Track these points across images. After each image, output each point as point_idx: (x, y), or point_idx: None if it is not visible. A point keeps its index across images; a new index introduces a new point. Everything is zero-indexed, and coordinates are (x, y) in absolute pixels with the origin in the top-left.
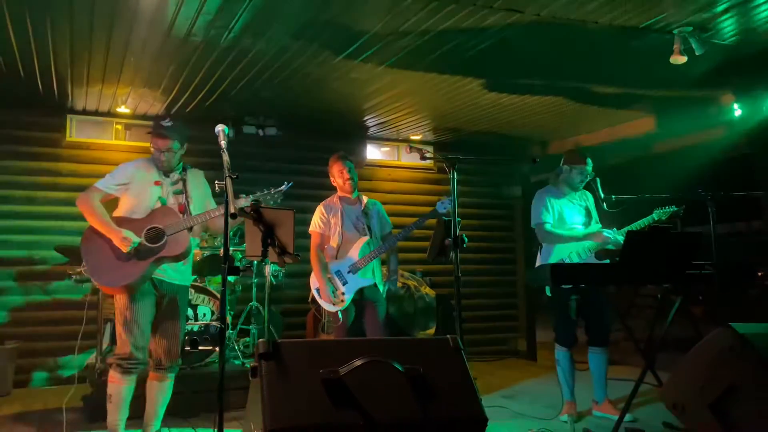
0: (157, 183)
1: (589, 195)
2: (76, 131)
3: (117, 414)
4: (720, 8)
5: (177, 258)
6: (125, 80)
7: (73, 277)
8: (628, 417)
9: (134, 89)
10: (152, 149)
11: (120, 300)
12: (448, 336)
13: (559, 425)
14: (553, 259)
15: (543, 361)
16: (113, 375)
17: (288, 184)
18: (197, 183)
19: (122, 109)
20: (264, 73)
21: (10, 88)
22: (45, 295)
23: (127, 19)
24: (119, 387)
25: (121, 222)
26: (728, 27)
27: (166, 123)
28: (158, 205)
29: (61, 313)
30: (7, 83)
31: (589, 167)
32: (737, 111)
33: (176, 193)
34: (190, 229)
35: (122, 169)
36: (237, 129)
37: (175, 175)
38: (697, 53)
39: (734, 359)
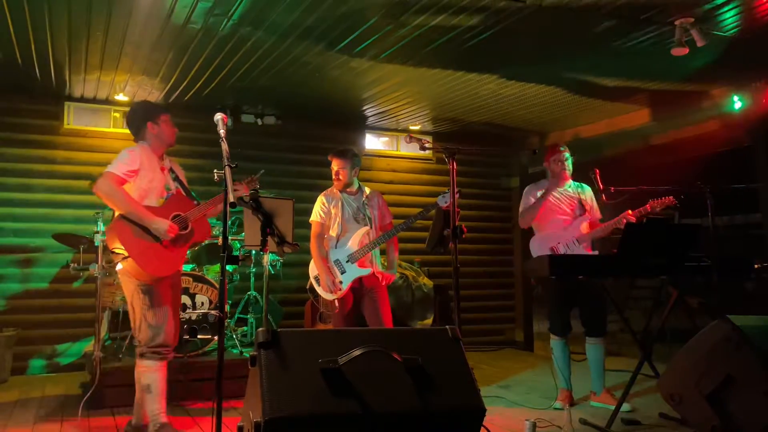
0: (162, 169)
1: (586, 188)
2: (74, 119)
3: (159, 403)
4: (721, 0)
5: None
6: (123, 67)
7: (72, 265)
8: (625, 407)
9: (132, 77)
10: (163, 132)
11: (155, 288)
12: (447, 326)
13: (554, 414)
14: (543, 248)
15: (540, 352)
16: (149, 364)
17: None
18: (178, 170)
19: (120, 97)
20: (263, 61)
21: (8, 76)
22: (42, 283)
23: (125, 5)
24: (157, 375)
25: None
26: (730, 18)
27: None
28: (165, 192)
29: (58, 300)
30: (4, 70)
31: (567, 153)
32: (737, 103)
33: (173, 179)
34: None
35: (131, 154)
36: (235, 118)
37: (167, 161)
38: (698, 45)
39: (731, 351)
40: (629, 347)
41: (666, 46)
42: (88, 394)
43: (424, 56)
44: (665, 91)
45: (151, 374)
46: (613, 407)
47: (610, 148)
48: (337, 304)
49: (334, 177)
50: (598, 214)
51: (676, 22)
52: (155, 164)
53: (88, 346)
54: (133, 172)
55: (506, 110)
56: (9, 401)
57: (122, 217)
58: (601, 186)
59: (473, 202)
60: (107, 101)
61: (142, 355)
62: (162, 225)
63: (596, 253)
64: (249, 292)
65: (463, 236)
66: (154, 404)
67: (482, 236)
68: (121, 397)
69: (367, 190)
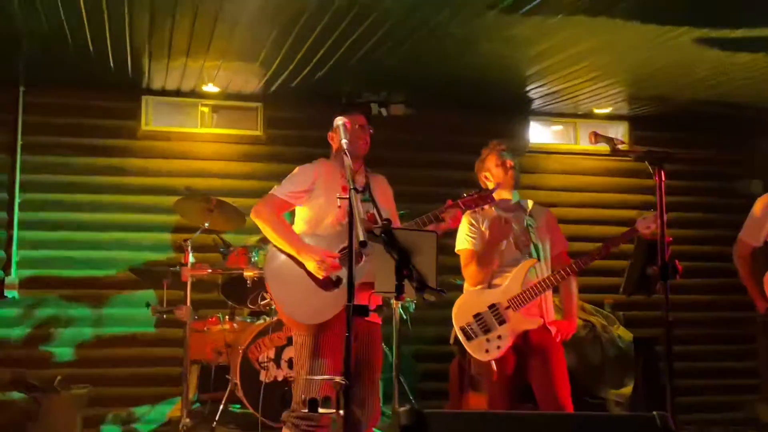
0: (344, 188)
1: None
2: (153, 118)
3: None
4: None
5: None
6: (215, 51)
7: (151, 306)
8: None
9: (225, 62)
10: (344, 137)
11: (317, 337)
12: (655, 413)
13: None
14: None
15: None
16: None
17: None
18: (382, 189)
19: (210, 88)
20: (390, 37)
21: (76, 67)
22: (117, 327)
23: None
24: None
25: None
26: None
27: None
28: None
29: (136, 349)
30: (73, 59)
31: None
32: None
33: (364, 200)
34: None
35: (303, 171)
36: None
37: (361, 178)
38: None
39: None
40: None
41: None
42: None
43: (619, 13)
44: None
45: None
46: None
47: None
48: (494, 366)
49: (504, 170)
50: None
51: None
52: (335, 184)
53: (173, 409)
54: (303, 193)
55: (739, 84)
56: None
57: (276, 249)
58: None
59: (693, 216)
60: (194, 94)
61: (283, 422)
62: (309, 258)
63: None
64: None
65: (677, 277)
66: None
67: (707, 266)
68: None
69: (530, 204)
